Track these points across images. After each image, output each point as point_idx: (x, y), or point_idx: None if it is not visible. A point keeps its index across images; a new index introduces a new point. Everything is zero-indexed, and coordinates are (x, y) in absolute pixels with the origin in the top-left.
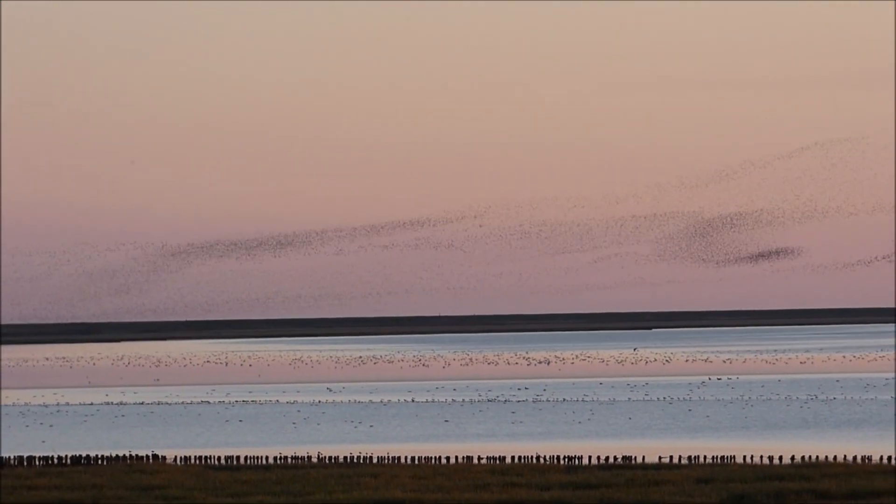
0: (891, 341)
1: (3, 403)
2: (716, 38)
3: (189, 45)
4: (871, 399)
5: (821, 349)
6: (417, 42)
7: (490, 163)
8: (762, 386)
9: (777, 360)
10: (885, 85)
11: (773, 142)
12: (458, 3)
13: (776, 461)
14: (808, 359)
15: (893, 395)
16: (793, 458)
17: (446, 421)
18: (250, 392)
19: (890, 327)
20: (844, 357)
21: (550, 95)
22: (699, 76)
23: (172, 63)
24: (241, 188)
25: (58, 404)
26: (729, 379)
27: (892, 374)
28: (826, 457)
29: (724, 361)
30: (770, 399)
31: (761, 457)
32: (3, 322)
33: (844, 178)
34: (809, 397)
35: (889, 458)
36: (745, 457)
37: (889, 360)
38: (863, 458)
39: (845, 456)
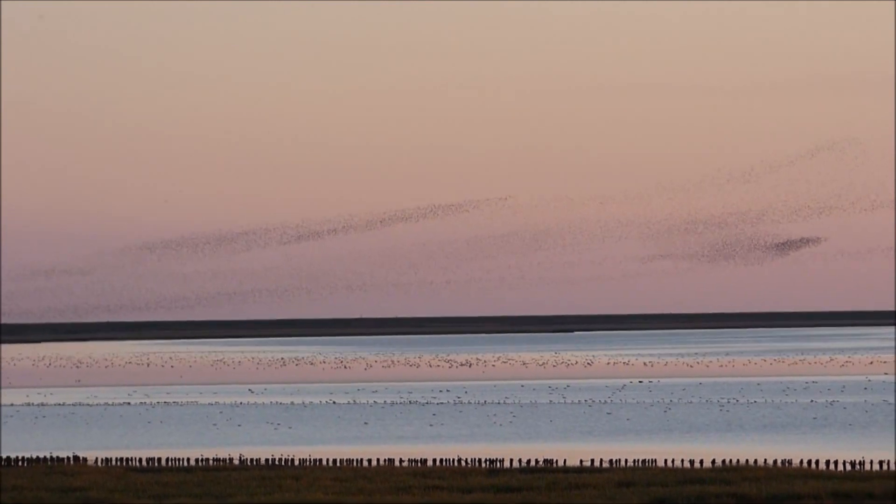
0: (810, 345)
1: None
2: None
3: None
4: (792, 402)
5: (741, 352)
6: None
7: (419, 164)
8: (683, 389)
9: (698, 363)
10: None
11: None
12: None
13: (697, 464)
14: (729, 362)
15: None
16: (714, 461)
17: (366, 423)
18: (168, 393)
19: (809, 331)
20: (765, 360)
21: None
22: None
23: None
24: (162, 188)
25: None
26: (650, 382)
27: (812, 378)
28: (747, 460)
29: (645, 364)
30: (691, 402)
31: (682, 460)
32: None
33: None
34: (730, 401)
35: (809, 461)
36: (666, 460)
37: (809, 363)
38: (783, 461)
39: (766, 459)
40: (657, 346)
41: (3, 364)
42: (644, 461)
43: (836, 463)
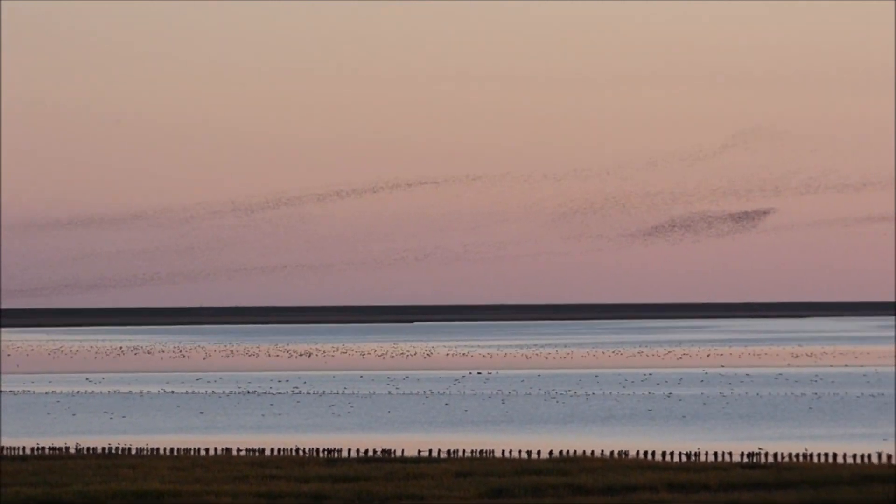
0: (648, 337)
1: None
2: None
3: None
4: (629, 394)
5: (579, 344)
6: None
7: (277, 154)
8: (521, 381)
9: (536, 354)
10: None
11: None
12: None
13: (535, 455)
14: (568, 354)
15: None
16: (551, 452)
17: (202, 413)
18: (2, 382)
19: (647, 323)
20: (603, 352)
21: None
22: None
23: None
24: (25, 167)
25: None
26: (488, 373)
27: (649, 371)
28: (584, 451)
29: (484, 356)
30: (529, 394)
31: (520, 451)
32: None
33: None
34: (568, 392)
35: (645, 452)
36: (503, 451)
37: (647, 356)
38: (619, 452)
39: (603, 451)
40: (496, 337)
41: None
42: (482, 452)
43: (671, 454)
